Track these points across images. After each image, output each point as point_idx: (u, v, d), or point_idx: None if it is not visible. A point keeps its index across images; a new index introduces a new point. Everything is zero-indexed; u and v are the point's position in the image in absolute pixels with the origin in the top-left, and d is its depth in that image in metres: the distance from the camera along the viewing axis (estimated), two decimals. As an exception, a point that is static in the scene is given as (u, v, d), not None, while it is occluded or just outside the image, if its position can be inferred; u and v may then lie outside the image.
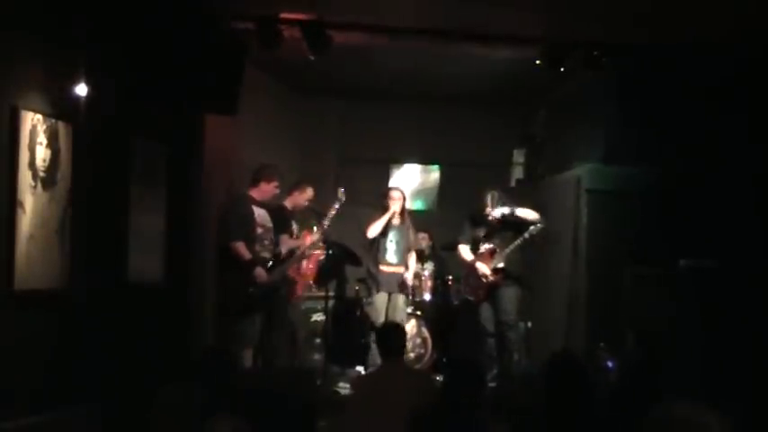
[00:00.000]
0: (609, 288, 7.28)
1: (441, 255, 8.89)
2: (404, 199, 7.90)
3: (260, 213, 7.12)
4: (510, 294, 7.39)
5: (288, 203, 7.65)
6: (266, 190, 7.20)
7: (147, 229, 5.95)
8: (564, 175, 8.35)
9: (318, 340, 8.28)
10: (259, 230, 7.07)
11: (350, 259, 8.53)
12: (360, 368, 8.20)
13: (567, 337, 7.85)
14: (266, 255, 7.12)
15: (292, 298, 7.57)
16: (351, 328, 8.60)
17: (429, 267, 8.66)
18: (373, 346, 7.92)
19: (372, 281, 7.92)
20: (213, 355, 4.56)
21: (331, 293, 8.07)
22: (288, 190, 7.67)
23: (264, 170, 7.27)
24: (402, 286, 7.96)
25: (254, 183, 7.21)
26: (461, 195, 9.63)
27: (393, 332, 5.21)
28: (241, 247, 6.87)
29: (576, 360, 4.03)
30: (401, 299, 7.97)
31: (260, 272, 6.92)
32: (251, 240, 6.99)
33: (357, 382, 5.64)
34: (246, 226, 6.98)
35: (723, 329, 6.35)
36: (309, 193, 7.71)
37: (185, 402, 3.55)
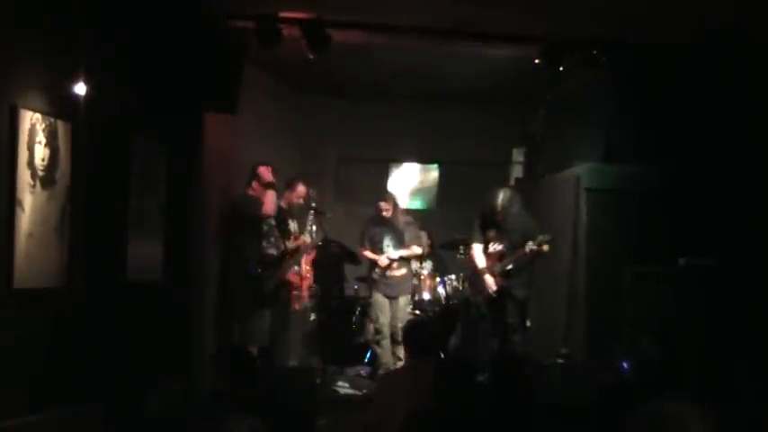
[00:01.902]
0: (608, 287, 7.28)
1: (440, 254, 8.89)
2: (394, 205, 7.96)
3: None
4: (517, 299, 7.38)
5: (283, 203, 7.68)
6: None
7: (146, 227, 5.95)
8: (563, 174, 8.35)
9: (317, 340, 8.28)
10: (265, 228, 7.15)
11: (349, 258, 8.55)
12: (358, 367, 8.21)
13: (567, 337, 7.85)
14: (273, 251, 7.18)
15: (297, 302, 7.60)
16: (349, 328, 8.60)
17: (428, 266, 8.65)
18: (383, 343, 7.91)
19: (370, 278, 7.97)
20: (232, 352, 4.59)
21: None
22: (281, 190, 7.72)
23: (258, 168, 7.31)
24: (406, 287, 7.98)
25: (250, 183, 7.25)
26: (461, 194, 9.66)
27: (418, 330, 5.20)
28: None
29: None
30: (402, 299, 7.98)
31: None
32: (259, 238, 7.06)
33: (382, 380, 5.62)
34: (253, 223, 7.05)
35: (722, 327, 6.35)
36: (301, 190, 7.73)
37: (182, 401, 3.56)
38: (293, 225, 7.71)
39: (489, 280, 7.33)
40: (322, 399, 6.59)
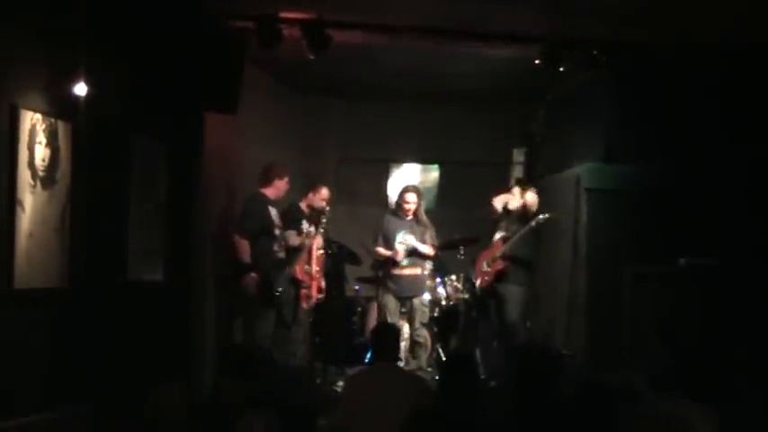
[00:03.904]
0: (609, 287, 7.28)
1: (440, 254, 8.87)
2: (418, 200, 7.91)
3: (274, 213, 7.24)
4: (515, 297, 7.43)
5: (303, 204, 7.72)
6: (279, 187, 7.31)
7: (146, 227, 5.95)
8: (563, 174, 8.34)
9: (317, 339, 8.28)
10: (276, 231, 7.19)
11: (349, 259, 8.54)
12: (359, 367, 8.20)
13: (567, 337, 7.85)
14: (282, 255, 7.21)
15: (307, 302, 7.62)
16: (350, 328, 8.60)
17: (428, 266, 8.64)
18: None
19: (380, 278, 7.94)
20: (235, 351, 4.63)
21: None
22: (303, 190, 7.76)
23: (276, 168, 7.34)
24: (419, 287, 7.92)
25: (267, 181, 7.26)
26: (461, 194, 9.66)
27: (386, 333, 5.20)
28: (241, 243, 6.91)
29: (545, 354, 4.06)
30: (417, 300, 7.91)
31: (251, 278, 7.00)
32: (271, 240, 7.09)
33: (349, 382, 5.63)
34: (264, 227, 7.11)
35: (723, 327, 6.35)
36: (324, 193, 7.79)
37: (181, 402, 3.56)
38: (307, 227, 7.74)
39: (483, 265, 7.54)
40: (322, 399, 6.59)
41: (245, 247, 6.99)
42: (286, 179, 7.37)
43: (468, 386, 3.98)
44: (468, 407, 3.75)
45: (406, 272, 7.85)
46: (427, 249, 7.91)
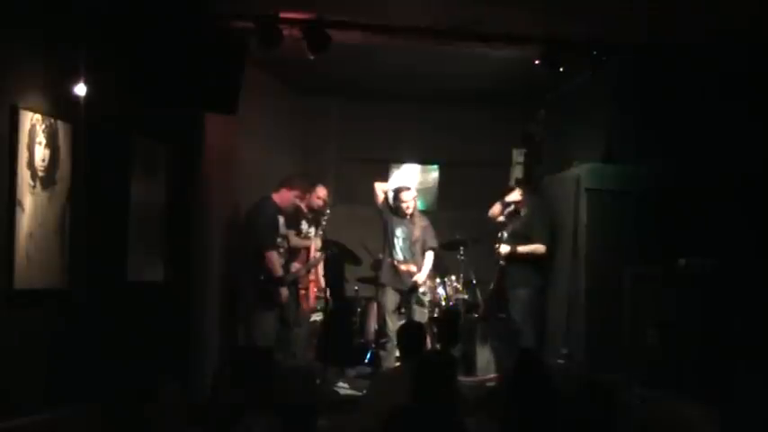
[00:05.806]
0: (609, 287, 7.27)
1: (440, 254, 8.87)
2: (414, 199, 8.01)
3: (282, 222, 7.27)
4: (521, 299, 7.45)
5: (303, 205, 7.74)
6: (287, 197, 7.34)
7: (146, 227, 5.95)
8: (563, 175, 8.33)
9: (316, 340, 8.27)
10: (278, 240, 7.21)
11: (349, 259, 8.54)
12: (359, 368, 8.20)
13: (567, 337, 7.85)
14: (281, 260, 7.25)
15: (306, 303, 7.64)
16: (350, 328, 8.59)
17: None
18: (388, 346, 7.89)
19: (378, 277, 7.96)
20: (264, 354, 4.66)
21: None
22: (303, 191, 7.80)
23: (294, 179, 7.47)
24: (414, 288, 7.95)
25: (279, 187, 7.31)
26: (461, 194, 9.66)
27: (413, 332, 5.21)
28: (274, 257, 7.05)
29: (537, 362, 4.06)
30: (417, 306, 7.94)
31: (283, 292, 7.09)
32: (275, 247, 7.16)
33: (374, 380, 5.62)
34: (276, 235, 7.18)
35: (723, 327, 6.35)
36: (322, 193, 7.81)
37: (181, 402, 3.56)
38: (306, 227, 7.74)
39: (504, 248, 7.67)
40: (322, 399, 6.58)
41: (276, 262, 7.06)
42: (295, 192, 7.44)
43: (446, 386, 3.96)
44: (444, 406, 3.73)
45: (402, 267, 7.88)
46: (430, 261, 8.06)
